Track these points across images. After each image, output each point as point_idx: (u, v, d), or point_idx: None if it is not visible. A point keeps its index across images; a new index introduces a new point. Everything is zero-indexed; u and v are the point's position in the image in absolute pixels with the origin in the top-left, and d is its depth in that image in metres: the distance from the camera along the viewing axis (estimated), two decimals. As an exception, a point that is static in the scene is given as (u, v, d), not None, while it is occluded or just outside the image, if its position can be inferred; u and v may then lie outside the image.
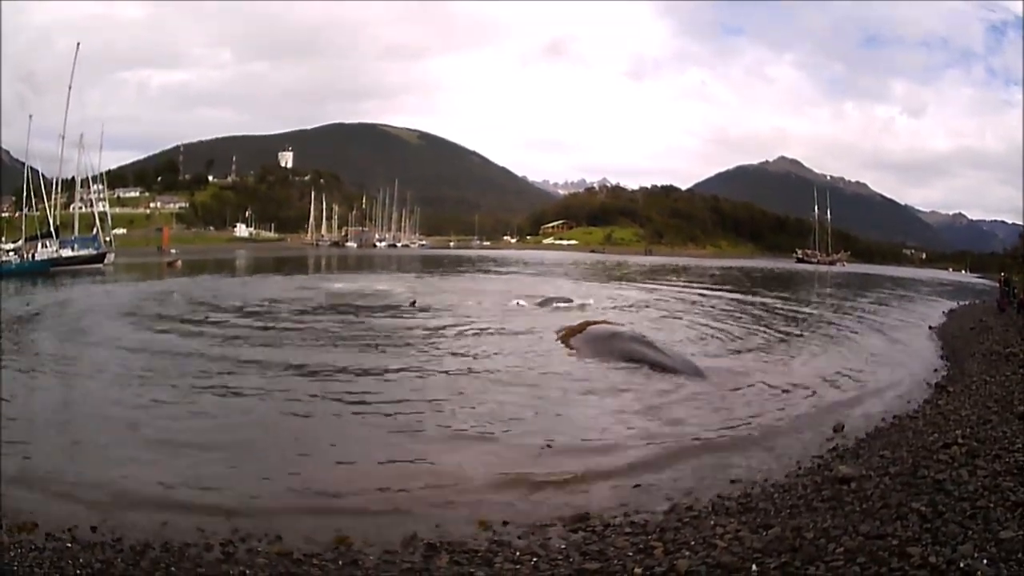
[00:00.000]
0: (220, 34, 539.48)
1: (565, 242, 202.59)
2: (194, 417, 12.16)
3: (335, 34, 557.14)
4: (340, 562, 6.72)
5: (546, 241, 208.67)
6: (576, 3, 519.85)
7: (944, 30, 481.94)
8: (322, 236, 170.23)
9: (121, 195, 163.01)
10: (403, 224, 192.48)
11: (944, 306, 41.41)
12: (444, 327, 24.04)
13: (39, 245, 56.36)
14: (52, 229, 58.57)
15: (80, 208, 69.78)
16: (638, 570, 6.08)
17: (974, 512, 6.35)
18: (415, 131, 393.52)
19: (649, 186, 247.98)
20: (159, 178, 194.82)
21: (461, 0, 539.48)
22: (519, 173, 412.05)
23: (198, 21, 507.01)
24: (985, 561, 5.30)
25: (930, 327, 29.08)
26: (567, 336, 20.62)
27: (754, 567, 5.82)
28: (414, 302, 30.24)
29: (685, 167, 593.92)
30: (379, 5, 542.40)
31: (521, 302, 32.34)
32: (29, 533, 7.26)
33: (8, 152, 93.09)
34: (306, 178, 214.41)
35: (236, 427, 11.64)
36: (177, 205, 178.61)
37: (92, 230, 64.89)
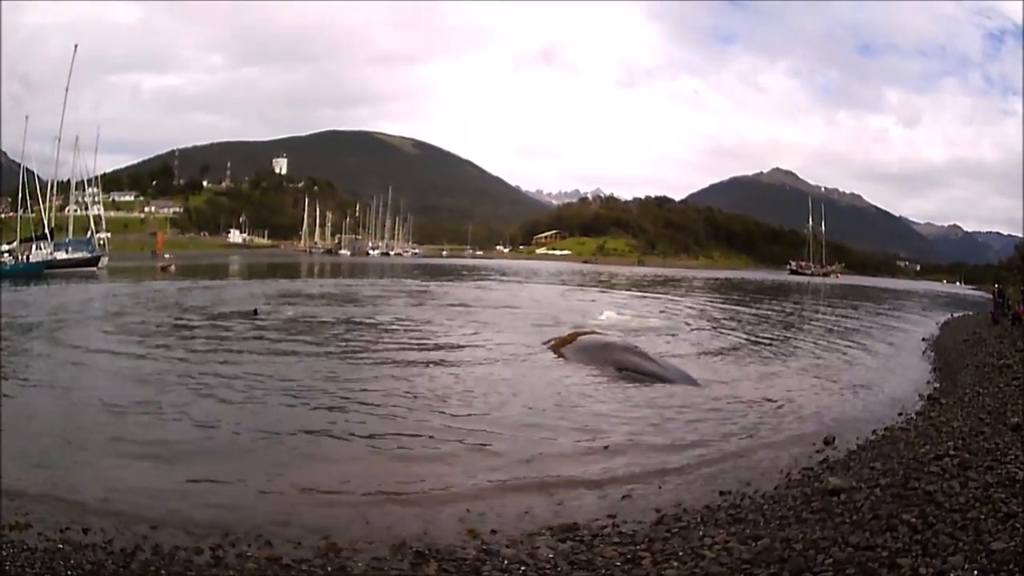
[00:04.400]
0: (210, 38, 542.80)
1: (558, 252, 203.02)
2: (184, 423, 12.08)
3: (326, 40, 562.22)
4: (329, 568, 6.70)
5: (539, 251, 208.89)
6: (567, 11, 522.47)
7: (940, 38, 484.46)
8: (315, 243, 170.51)
9: (116, 199, 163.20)
10: (396, 232, 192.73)
11: (938, 318, 41.57)
12: (431, 336, 24.06)
13: (34, 247, 56.34)
14: (47, 231, 58.53)
15: (75, 211, 69.54)
16: (626, 580, 6.06)
17: (965, 523, 6.34)
18: (410, 139, 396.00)
19: (643, 197, 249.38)
20: (154, 182, 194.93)
21: (452, 2, 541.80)
22: (513, 183, 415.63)
23: (188, 25, 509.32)
24: (976, 572, 5.30)
25: (923, 339, 29.20)
26: (557, 346, 20.55)
27: (743, 578, 5.81)
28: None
29: (679, 178, 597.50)
30: (370, 11, 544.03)
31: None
32: (22, 532, 7.27)
33: (5, 153, 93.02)
34: (300, 185, 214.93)
35: (225, 433, 11.58)
36: (171, 210, 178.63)
37: (86, 233, 64.80)
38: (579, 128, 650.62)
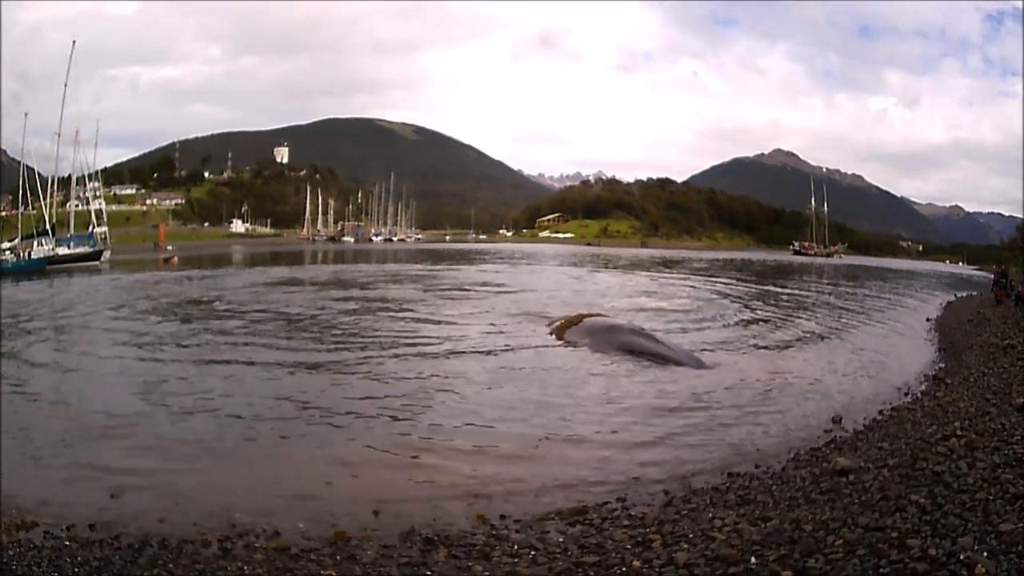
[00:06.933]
0: (208, 29, 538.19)
1: (561, 235, 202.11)
2: (188, 414, 12.10)
3: (324, 29, 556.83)
4: (338, 557, 6.70)
5: (542, 234, 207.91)
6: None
7: (940, 19, 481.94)
8: (318, 231, 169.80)
9: (117, 192, 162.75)
10: (399, 218, 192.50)
11: (941, 298, 41.50)
12: (435, 320, 24.00)
13: (35, 243, 56.20)
14: (48, 227, 58.41)
15: (76, 206, 69.36)
16: (636, 563, 6.06)
17: (973, 504, 6.33)
18: (411, 125, 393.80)
19: (645, 179, 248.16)
20: (155, 175, 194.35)
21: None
22: (514, 167, 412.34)
23: (186, 16, 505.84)
24: (985, 554, 5.28)
25: (928, 319, 29.12)
26: (562, 328, 20.50)
27: (753, 559, 5.79)
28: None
29: (681, 160, 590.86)
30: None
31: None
32: (28, 531, 7.27)
33: (5, 151, 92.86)
34: (302, 173, 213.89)
35: (230, 424, 11.59)
36: (173, 202, 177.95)
37: (88, 228, 64.70)
38: (580, 112, 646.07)
